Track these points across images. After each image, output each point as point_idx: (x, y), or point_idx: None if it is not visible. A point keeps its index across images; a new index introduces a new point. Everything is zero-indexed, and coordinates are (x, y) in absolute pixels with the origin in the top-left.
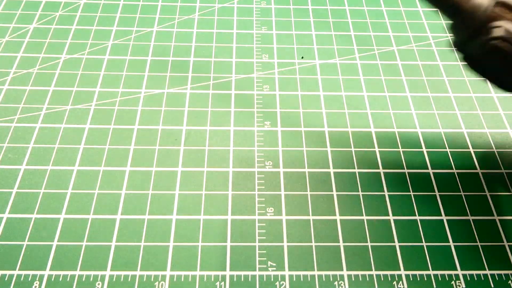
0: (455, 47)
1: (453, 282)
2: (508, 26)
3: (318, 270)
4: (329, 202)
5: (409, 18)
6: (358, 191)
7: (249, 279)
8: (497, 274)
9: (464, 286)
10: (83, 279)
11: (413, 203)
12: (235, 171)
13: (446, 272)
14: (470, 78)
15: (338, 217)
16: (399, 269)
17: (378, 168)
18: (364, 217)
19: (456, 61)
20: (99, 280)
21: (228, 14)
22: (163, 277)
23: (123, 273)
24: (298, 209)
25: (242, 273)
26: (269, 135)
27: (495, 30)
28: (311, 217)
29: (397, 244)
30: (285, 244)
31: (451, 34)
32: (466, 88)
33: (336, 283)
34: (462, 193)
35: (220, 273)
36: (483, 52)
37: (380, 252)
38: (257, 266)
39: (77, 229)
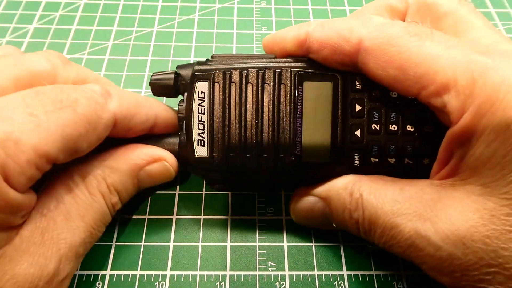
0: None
1: None
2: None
3: (318, 270)
4: None
5: None
6: None
7: (249, 279)
8: None
9: None
10: (84, 279)
11: None
12: None
13: None
14: None
15: None
16: (399, 269)
17: None
18: None
19: None
20: (99, 280)
21: (228, 14)
22: (163, 277)
23: (123, 273)
24: None
25: (242, 273)
26: None
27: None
28: None
29: None
30: (285, 244)
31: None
32: None
33: (336, 283)
34: None
35: (220, 273)
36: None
37: (380, 252)
38: (257, 266)
39: None
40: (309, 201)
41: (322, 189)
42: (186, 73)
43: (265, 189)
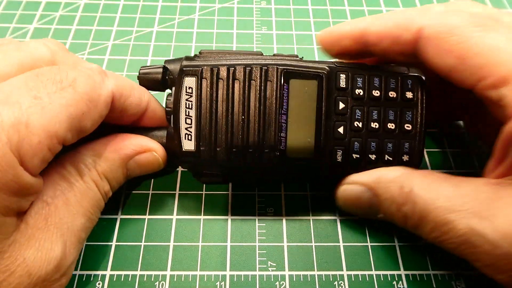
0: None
1: (453, 282)
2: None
3: (318, 270)
4: (329, 202)
5: None
6: None
7: (249, 279)
8: None
9: (464, 286)
10: (84, 279)
11: None
12: None
13: (446, 272)
14: None
15: (338, 217)
16: (399, 269)
17: None
18: None
19: None
20: (99, 280)
21: (228, 14)
22: (163, 277)
23: (123, 273)
24: (298, 209)
25: (242, 273)
26: None
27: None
28: (311, 217)
29: (397, 244)
30: (285, 244)
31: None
32: None
33: (336, 283)
34: None
35: (220, 273)
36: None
37: (380, 252)
38: (257, 266)
39: None
40: (357, 190)
41: (372, 180)
42: (174, 67)
43: (253, 182)
